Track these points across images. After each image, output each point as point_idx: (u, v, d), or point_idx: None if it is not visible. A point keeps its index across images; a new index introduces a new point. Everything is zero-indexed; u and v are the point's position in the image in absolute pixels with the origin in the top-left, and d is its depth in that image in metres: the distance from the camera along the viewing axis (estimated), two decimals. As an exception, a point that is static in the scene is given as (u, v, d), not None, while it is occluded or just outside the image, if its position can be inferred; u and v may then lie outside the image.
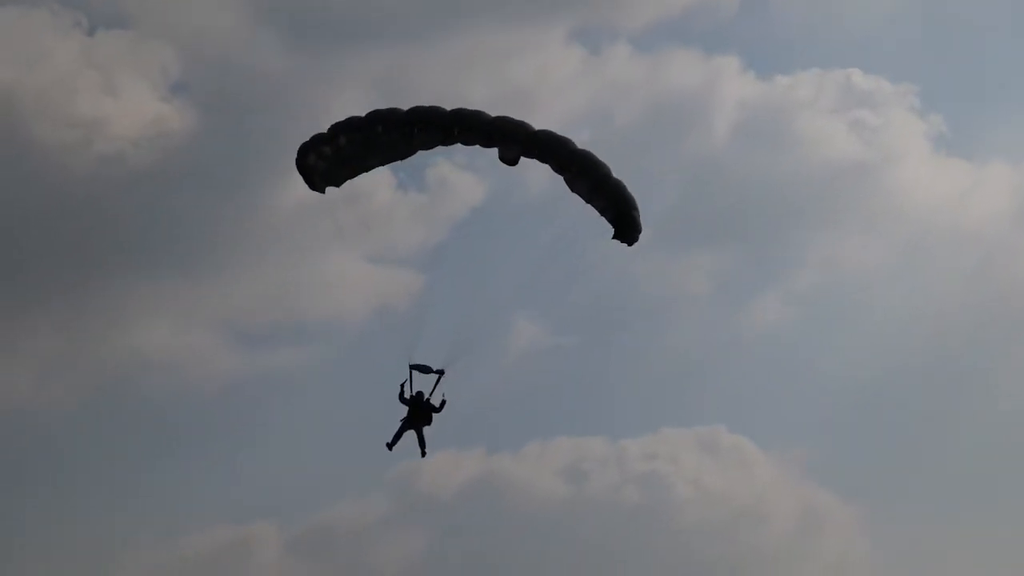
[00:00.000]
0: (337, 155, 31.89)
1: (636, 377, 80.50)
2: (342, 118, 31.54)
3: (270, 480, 70.79)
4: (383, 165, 32.51)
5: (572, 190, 31.83)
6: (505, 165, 31.22)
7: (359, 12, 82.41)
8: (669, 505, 70.51)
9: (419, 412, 33.76)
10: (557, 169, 31.48)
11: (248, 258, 77.10)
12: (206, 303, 77.74)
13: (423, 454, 34.33)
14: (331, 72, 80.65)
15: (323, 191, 32.81)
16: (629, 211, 31.79)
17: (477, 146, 31.12)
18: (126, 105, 76.49)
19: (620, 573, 66.59)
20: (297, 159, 32.43)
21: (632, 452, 72.17)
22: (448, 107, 31.57)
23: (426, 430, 33.86)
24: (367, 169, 32.54)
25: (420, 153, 31.85)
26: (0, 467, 69.73)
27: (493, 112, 31.58)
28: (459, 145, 31.38)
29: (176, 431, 73.94)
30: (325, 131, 31.95)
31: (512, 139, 31.01)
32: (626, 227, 31.93)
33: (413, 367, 33.34)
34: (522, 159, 31.15)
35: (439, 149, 32.24)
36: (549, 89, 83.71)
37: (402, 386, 33.65)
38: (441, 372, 33.35)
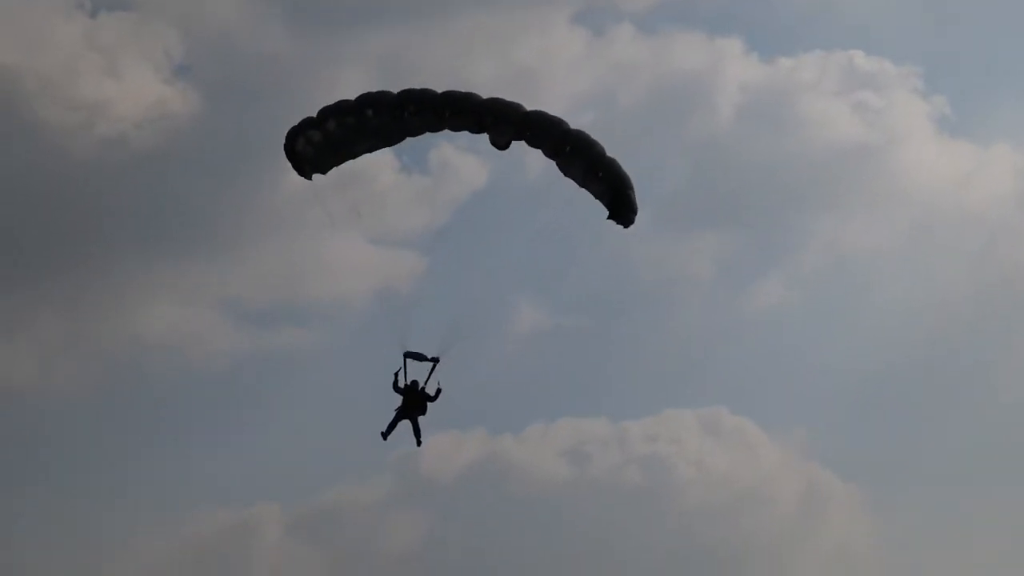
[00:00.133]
0: (326, 140, 31.03)
1: (638, 359, 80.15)
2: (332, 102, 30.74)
3: (272, 462, 70.38)
4: (371, 151, 31.62)
5: (565, 174, 30.94)
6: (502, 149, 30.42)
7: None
8: (671, 487, 70.34)
9: (414, 401, 32.89)
10: (551, 151, 30.58)
11: (251, 240, 76.99)
12: (209, 285, 77.45)
13: (418, 443, 33.51)
14: (334, 54, 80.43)
15: (310, 178, 32.01)
16: (624, 190, 30.85)
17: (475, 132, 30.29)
18: (129, 87, 76.52)
19: (622, 554, 66.04)
20: (285, 144, 31.58)
21: (634, 434, 72.00)
22: (448, 89, 30.73)
23: (421, 419, 32.99)
24: (354, 156, 31.66)
25: (415, 138, 30.91)
26: (2, 451, 69.68)
27: (495, 94, 30.87)
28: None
29: (178, 413, 74.00)
30: (314, 115, 31.14)
31: (504, 120, 30.17)
32: (622, 207, 31.00)
33: (407, 355, 32.51)
34: (514, 143, 30.30)
35: (437, 133, 31.36)
36: (553, 71, 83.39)
37: (396, 375, 32.82)
38: (436, 360, 32.51)
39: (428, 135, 31.45)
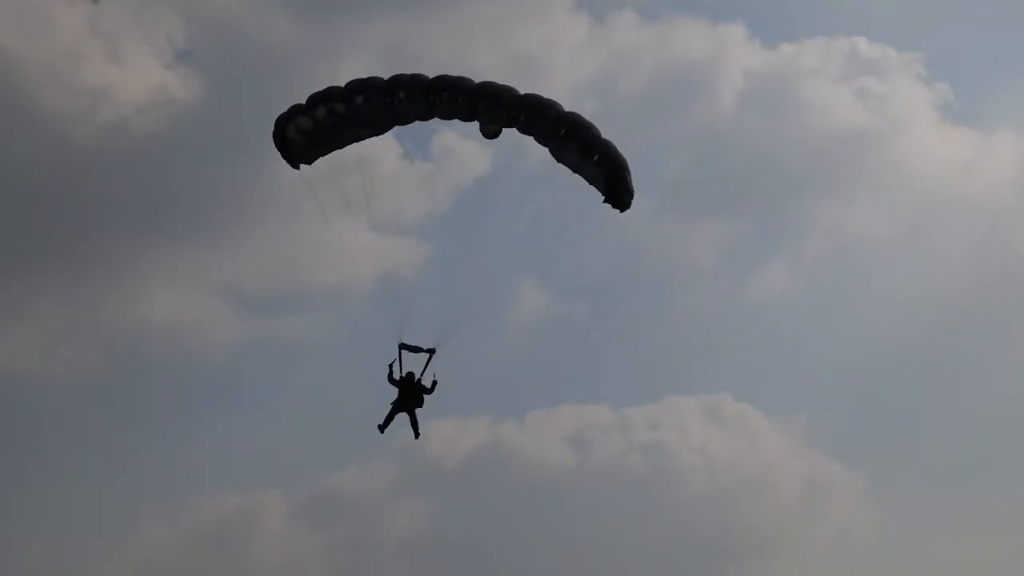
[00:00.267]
0: (316, 128, 30.13)
1: (641, 346, 79.48)
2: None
3: (276, 448, 70.07)
4: (361, 140, 30.64)
5: (559, 159, 29.98)
6: (491, 138, 29.48)
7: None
8: (673, 474, 69.94)
9: (411, 394, 32.01)
10: (545, 135, 29.60)
11: (253, 226, 76.37)
12: (211, 271, 76.87)
13: (416, 436, 32.65)
14: (337, 40, 79.76)
15: (299, 168, 31.05)
16: (620, 172, 29.92)
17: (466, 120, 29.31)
18: (131, 73, 75.97)
19: (624, 541, 65.82)
20: (275, 132, 30.66)
21: (636, 421, 71.76)
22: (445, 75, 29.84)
23: (418, 411, 32.09)
24: (344, 144, 30.68)
25: (409, 125, 29.97)
26: (6, 434, 69.43)
27: (493, 80, 29.91)
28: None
29: (180, 399, 73.72)
30: (303, 102, 30.23)
31: (497, 103, 29.24)
32: (618, 189, 30.06)
33: (403, 347, 31.62)
34: (504, 131, 29.39)
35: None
36: (554, 58, 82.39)
37: (391, 367, 31.92)
38: (432, 351, 31.57)
39: (426, 122, 30.55)
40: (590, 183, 30.07)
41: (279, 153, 30.72)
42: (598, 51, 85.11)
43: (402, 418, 32.21)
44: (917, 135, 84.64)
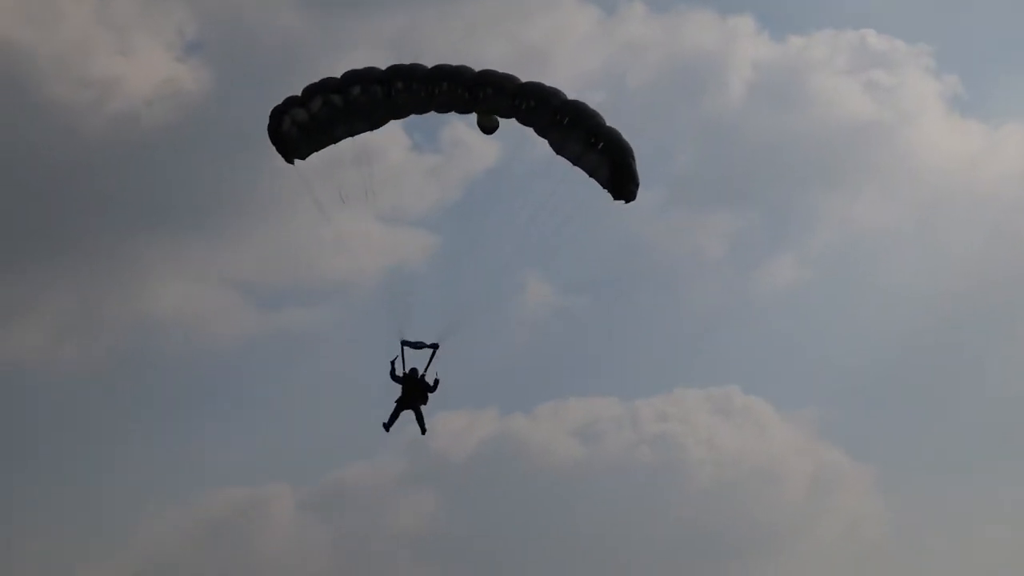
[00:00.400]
0: (311, 120, 29.22)
1: (649, 338, 79.67)
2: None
3: (284, 441, 70.44)
4: (356, 134, 29.61)
5: (559, 151, 29.03)
6: (489, 133, 28.66)
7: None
8: (683, 465, 69.51)
9: (414, 390, 31.16)
10: (546, 124, 28.68)
11: (261, 219, 75.93)
12: (220, 263, 76.83)
13: (423, 431, 31.82)
14: (345, 33, 79.53)
15: (293, 162, 30.17)
16: (626, 159, 29.01)
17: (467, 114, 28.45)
18: (140, 65, 75.68)
19: (633, 533, 65.62)
20: (270, 124, 29.75)
21: (645, 413, 71.38)
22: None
23: (423, 407, 31.25)
24: (336, 140, 29.72)
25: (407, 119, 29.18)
26: (15, 427, 69.16)
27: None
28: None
29: (190, 391, 73.83)
30: (299, 94, 29.38)
31: (499, 91, 28.31)
32: (623, 177, 29.13)
33: (405, 343, 30.75)
34: (505, 125, 28.49)
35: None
36: (562, 50, 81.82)
37: (393, 363, 31.08)
38: (435, 347, 30.75)
39: (436, 115, 29.63)
40: (591, 175, 29.15)
41: (273, 147, 29.84)
42: (606, 43, 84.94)
43: (408, 414, 31.47)
44: (926, 127, 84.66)
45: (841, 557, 67.30)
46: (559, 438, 70.19)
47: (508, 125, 29.11)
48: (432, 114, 29.46)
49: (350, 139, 29.77)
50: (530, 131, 29.03)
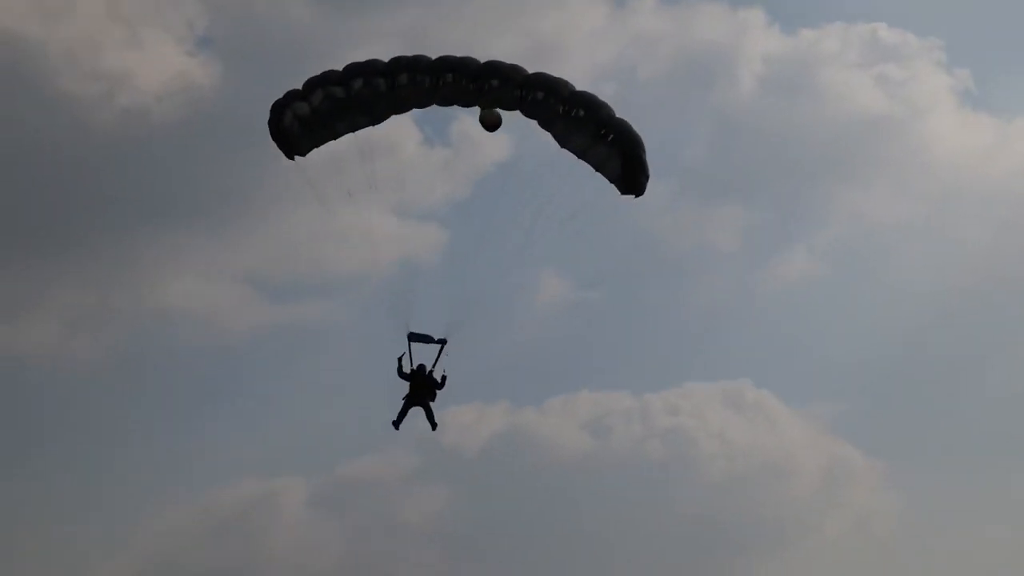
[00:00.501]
0: (313, 114, 28.54)
1: (660, 331, 79.36)
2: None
3: (296, 434, 69.93)
4: (356, 130, 28.93)
5: (564, 144, 28.39)
6: (491, 130, 28.17)
7: (386, -33, 79.73)
8: (693, 460, 69.32)
9: (422, 387, 30.53)
10: (553, 116, 28.05)
11: (273, 212, 75.54)
12: (231, 257, 76.55)
13: (433, 428, 31.08)
14: (357, 27, 79.16)
15: (293, 159, 29.53)
16: (637, 151, 28.45)
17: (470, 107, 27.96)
18: (151, 59, 75.17)
19: (643, 527, 65.31)
20: (271, 120, 29.10)
21: (656, 407, 71.19)
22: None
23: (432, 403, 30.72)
24: (337, 135, 29.05)
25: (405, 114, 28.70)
26: (27, 420, 68.84)
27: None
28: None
29: (202, 385, 73.47)
30: (299, 87, 28.71)
31: (506, 81, 27.67)
32: (634, 169, 28.55)
33: (412, 337, 30.04)
34: (511, 121, 27.97)
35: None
36: (573, 43, 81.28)
37: (400, 361, 30.44)
38: (443, 342, 30.01)
39: (446, 108, 29.06)
40: (598, 169, 28.57)
41: (274, 143, 29.25)
42: (617, 36, 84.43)
43: (417, 410, 30.88)
44: (937, 122, 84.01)
45: (851, 552, 67.12)
46: (569, 432, 70.12)
47: (519, 119, 28.69)
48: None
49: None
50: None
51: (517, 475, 67.75)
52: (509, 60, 28.44)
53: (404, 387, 30.70)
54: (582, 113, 28.00)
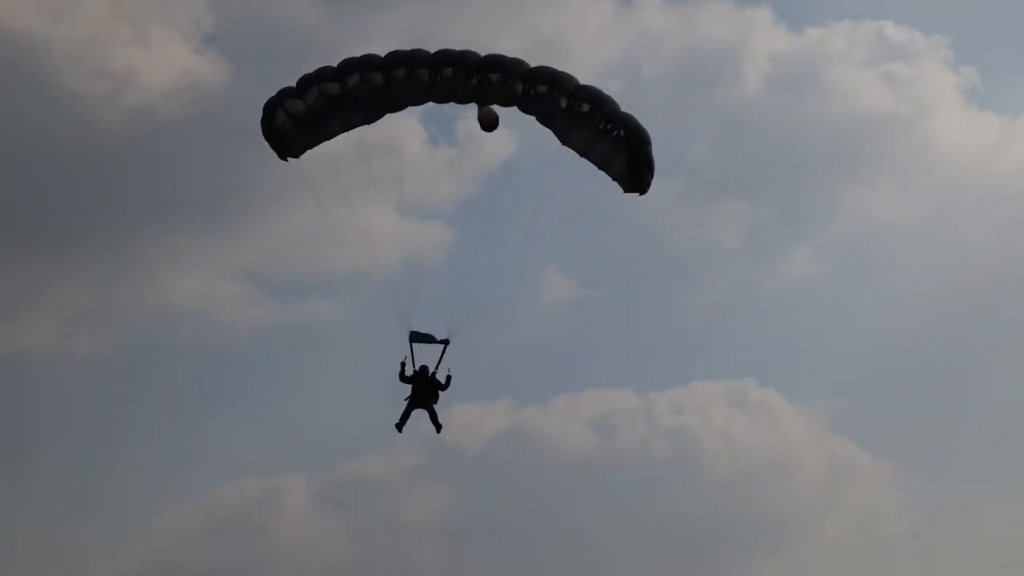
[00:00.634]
0: (307, 112, 27.78)
1: (665, 330, 79.14)
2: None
3: (298, 432, 69.52)
4: (350, 129, 28.16)
5: (565, 141, 27.60)
6: (489, 130, 27.57)
7: (391, -35, 79.61)
8: (698, 458, 69.16)
9: (426, 389, 29.84)
10: (556, 111, 27.25)
11: (277, 210, 75.24)
12: (233, 255, 76.11)
13: (438, 430, 30.44)
14: (362, 26, 78.88)
15: (287, 160, 28.81)
16: (644, 146, 27.77)
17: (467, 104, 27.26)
18: (157, 57, 74.95)
19: (647, 526, 65.15)
20: (263, 119, 28.34)
21: (660, 405, 70.97)
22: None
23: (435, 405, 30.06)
24: (332, 135, 28.26)
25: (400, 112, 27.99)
26: (28, 419, 68.62)
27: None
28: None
29: (203, 383, 73.18)
30: (293, 84, 27.89)
31: (508, 74, 26.82)
32: (640, 165, 27.87)
33: (414, 337, 29.32)
34: (516, 119, 27.17)
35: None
36: (578, 41, 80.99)
37: (403, 365, 29.75)
38: (446, 342, 29.27)
39: (450, 106, 28.21)
40: (601, 166, 27.86)
41: (267, 143, 28.58)
42: (622, 34, 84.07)
43: (421, 411, 30.29)
44: (943, 120, 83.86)
45: (855, 552, 66.81)
46: (573, 431, 69.96)
47: (523, 117, 28.10)
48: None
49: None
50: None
51: (520, 474, 67.63)
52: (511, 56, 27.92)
53: (406, 390, 30.11)
54: (586, 108, 27.21)
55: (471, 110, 28.07)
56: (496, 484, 67.13)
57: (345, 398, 69.35)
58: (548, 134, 27.76)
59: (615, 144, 27.68)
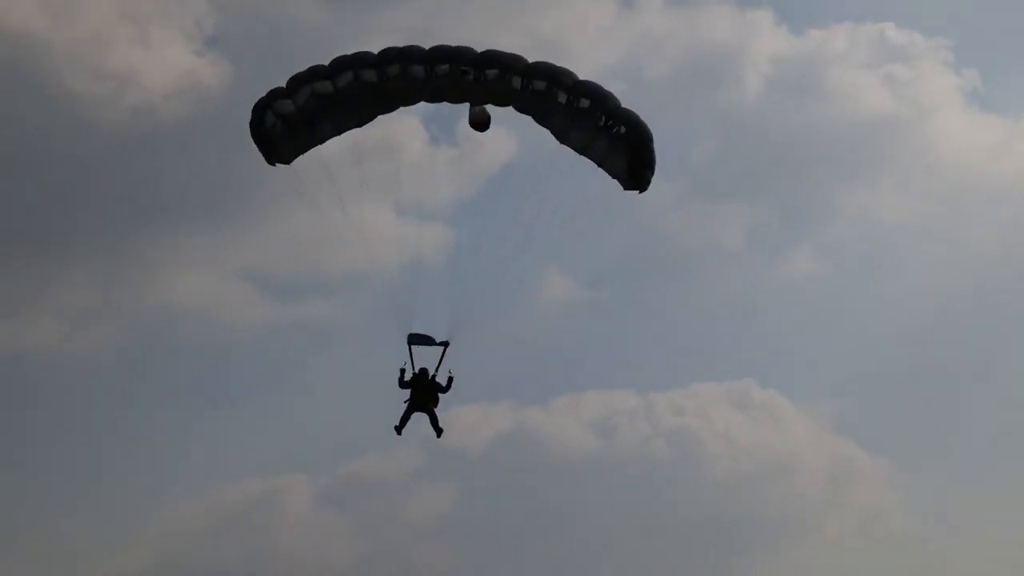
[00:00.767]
0: (297, 113, 27.05)
1: (666, 330, 78.99)
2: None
3: (300, 432, 69.30)
4: (341, 133, 27.51)
5: (563, 139, 27.01)
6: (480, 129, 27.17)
7: (393, -35, 79.50)
8: (698, 459, 69.05)
9: (426, 392, 29.28)
10: (554, 108, 26.63)
11: (278, 211, 75.06)
12: (234, 255, 75.99)
13: (438, 435, 29.85)
14: (365, 26, 78.82)
15: (275, 164, 28.18)
16: (646, 142, 27.18)
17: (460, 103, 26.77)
18: (159, 58, 74.95)
19: (649, 526, 64.87)
20: (252, 121, 27.62)
21: (662, 406, 70.89)
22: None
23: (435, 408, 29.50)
24: (322, 139, 27.55)
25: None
26: (32, 417, 68.43)
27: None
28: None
29: (204, 383, 73.20)
30: (284, 85, 27.24)
31: (505, 70, 26.19)
32: (642, 161, 27.29)
33: (413, 339, 28.75)
34: (518, 119, 26.59)
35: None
36: (580, 43, 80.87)
37: (402, 371, 29.20)
38: (446, 344, 28.73)
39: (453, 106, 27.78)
40: (600, 164, 27.24)
41: (255, 145, 27.89)
42: (624, 36, 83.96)
43: (421, 415, 29.78)
44: (944, 122, 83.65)
45: (857, 552, 66.59)
46: (575, 431, 69.84)
47: (520, 116, 27.72)
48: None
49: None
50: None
51: (522, 474, 67.36)
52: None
53: (406, 394, 29.61)
54: (586, 104, 26.61)
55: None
56: (497, 484, 66.96)
57: (346, 398, 69.22)
58: (547, 134, 27.38)
59: (615, 141, 27.10)
